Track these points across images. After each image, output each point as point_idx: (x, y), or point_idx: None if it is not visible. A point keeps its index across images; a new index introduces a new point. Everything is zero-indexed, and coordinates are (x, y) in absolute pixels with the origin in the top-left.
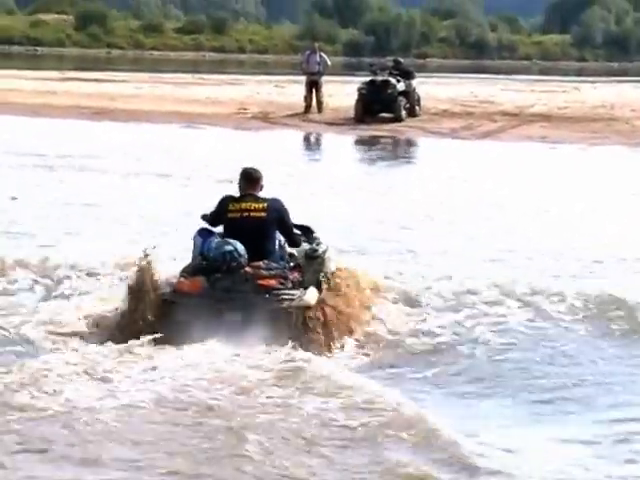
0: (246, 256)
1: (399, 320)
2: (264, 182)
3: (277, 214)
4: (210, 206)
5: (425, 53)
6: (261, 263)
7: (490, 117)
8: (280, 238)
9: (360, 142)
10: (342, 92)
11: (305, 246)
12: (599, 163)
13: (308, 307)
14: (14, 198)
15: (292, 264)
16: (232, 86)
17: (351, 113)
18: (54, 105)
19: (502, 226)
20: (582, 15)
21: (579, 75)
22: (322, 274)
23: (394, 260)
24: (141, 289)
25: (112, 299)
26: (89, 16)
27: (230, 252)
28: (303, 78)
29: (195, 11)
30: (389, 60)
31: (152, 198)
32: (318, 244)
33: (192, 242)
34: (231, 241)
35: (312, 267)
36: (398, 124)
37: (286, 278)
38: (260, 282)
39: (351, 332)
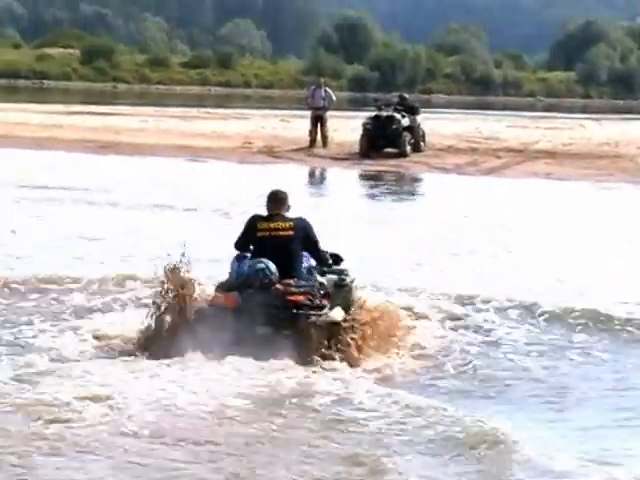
0: (277, 274)
1: (429, 339)
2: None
3: (303, 232)
4: (217, 239)
5: (430, 89)
6: (291, 281)
7: (495, 153)
8: (308, 263)
9: (365, 177)
10: (347, 127)
11: (334, 277)
12: (604, 200)
13: (335, 323)
14: (13, 231)
15: (322, 292)
16: (237, 120)
17: (356, 148)
18: (60, 138)
19: (507, 263)
20: (587, 53)
21: (584, 112)
22: (350, 301)
23: (404, 292)
24: (180, 302)
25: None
26: (95, 50)
27: (262, 270)
28: (308, 113)
29: (201, 46)
30: (394, 95)
31: (155, 230)
32: (346, 274)
33: (230, 266)
34: (264, 260)
35: (340, 295)
36: (403, 159)
37: (314, 295)
38: (290, 298)
39: (381, 349)
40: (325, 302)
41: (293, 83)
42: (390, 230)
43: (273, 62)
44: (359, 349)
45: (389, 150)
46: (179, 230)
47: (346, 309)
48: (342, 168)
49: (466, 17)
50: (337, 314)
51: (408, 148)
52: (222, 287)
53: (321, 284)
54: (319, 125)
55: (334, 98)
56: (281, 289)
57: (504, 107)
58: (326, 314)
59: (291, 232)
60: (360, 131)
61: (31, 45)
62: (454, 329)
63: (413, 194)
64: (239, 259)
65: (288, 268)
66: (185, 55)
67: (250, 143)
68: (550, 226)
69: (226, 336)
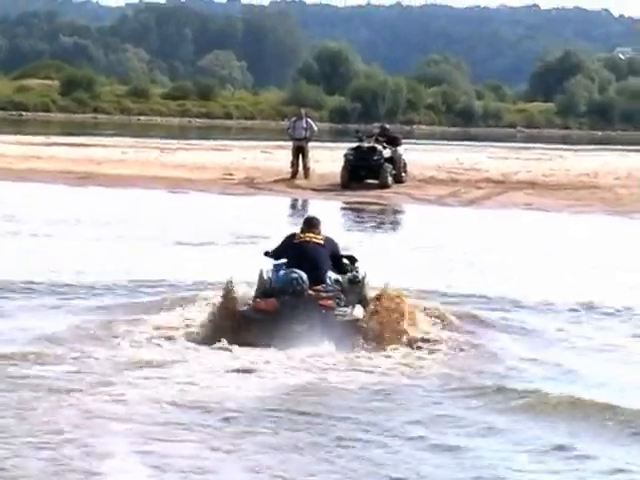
0: (308, 283)
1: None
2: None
3: (331, 246)
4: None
5: (412, 119)
6: (320, 287)
7: (476, 184)
8: (331, 275)
9: (346, 208)
10: (329, 158)
11: (348, 274)
12: (583, 231)
13: (357, 320)
14: None
15: (338, 288)
16: (218, 152)
17: (337, 179)
18: (39, 170)
19: (489, 289)
20: (566, 84)
21: (563, 143)
22: (363, 295)
23: None
24: (227, 308)
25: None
26: (75, 81)
27: (296, 279)
28: (290, 144)
29: (182, 77)
30: (375, 126)
31: (132, 261)
32: (358, 272)
33: (260, 276)
34: (297, 270)
35: (354, 290)
36: (384, 190)
37: (340, 299)
38: (321, 302)
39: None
40: (342, 297)
41: (274, 114)
42: (377, 261)
43: (254, 93)
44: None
45: (370, 181)
46: (156, 261)
47: (360, 302)
48: (324, 199)
49: (446, 48)
50: (358, 312)
51: (389, 179)
52: (260, 294)
53: (337, 280)
54: (301, 156)
55: (315, 129)
56: (313, 295)
57: (485, 138)
58: (350, 313)
59: (322, 242)
60: (341, 162)
61: (10, 76)
62: None
63: (396, 225)
64: (277, 269)
65: (317, 271)
66: (165, 86)
67: (231, 174)
68: (529, 258)
69: (269, 335)
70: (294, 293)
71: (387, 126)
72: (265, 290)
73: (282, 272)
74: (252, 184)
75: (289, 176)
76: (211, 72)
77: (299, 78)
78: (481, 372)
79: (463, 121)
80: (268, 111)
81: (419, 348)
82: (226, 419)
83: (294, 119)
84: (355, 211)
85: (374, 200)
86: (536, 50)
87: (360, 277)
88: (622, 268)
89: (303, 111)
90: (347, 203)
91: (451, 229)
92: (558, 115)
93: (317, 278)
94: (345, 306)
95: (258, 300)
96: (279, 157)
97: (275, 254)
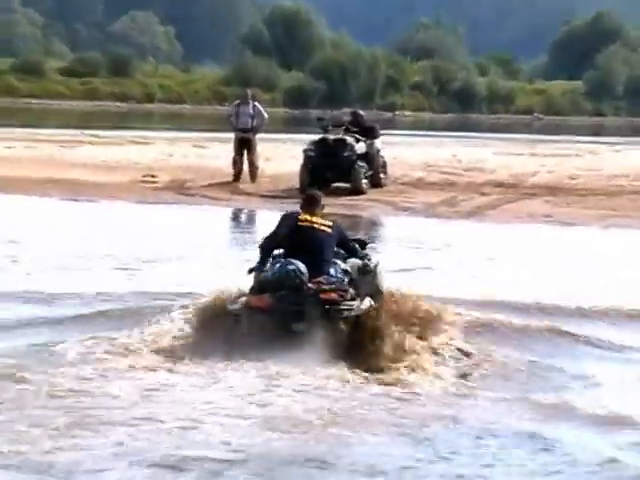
0: (307, 274)
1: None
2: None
3: (339, 232)
4: None
5: (393, 104)
6: (322, 279)
7: (478, 189)
8: (339, 265)
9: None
10: (283, 155)
11: (358, 262)
12: (622, 253)
13: (366, 315)
14: None
15: (346, 279)
16: (136, 146)
17: (295, 182)
18: None
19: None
20: (598, 56)
21: (594, 134)
22: (376, 287)
23: None
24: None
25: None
26: None
27: (293, 271)
28: (231, 136)
29: (87, 47)
30: (345, 113)
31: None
32: (369, 259)
33: (257, 268)
34: (294, 261)
35: (365, 281)
36: (357, 197)
37: (345, 291)
38: (322, 296)
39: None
40: (352, 290)
41: (210, 96)
42: None
43: (184, 69)
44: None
45: (339, 185)
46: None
47: (374, 295)
48: (276, 210)
49: (439, 8)
50: (367, 305)
51: (364, 182)
52: (253, 289)
53: (345, 271)
54: (246, 152)
55: (265, 116)
56: (313, 287)
57: (490, 128)
58: (358, 307)
59: (330, 230)
60: (300, 160)
61: None
62: None
63: (373, 246)
64: (275, 261)
65: (319, 261)
66: (65, 59)
67: (153, 176)
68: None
69: (264, 334)
70: (291, 287)
71: (361, 112)
72: (258, 285)
73: (278, 264)
74: (181, 189)
75: (230, 178)
76: (126, 40)
77: (243, 49)
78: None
79: (461, 106)
80: (202, 92)
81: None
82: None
83: (237, 103)
84: None
85: (343, 211)
86: (559, 11)
87: (372, 265)
88: None
89: (249, 92)
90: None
91: (443, 251)
92: (587, 97)
93: (320, 270)
94: (352, 299)
95: (250, 296)
96: (217, 153)
97: (273, 236)
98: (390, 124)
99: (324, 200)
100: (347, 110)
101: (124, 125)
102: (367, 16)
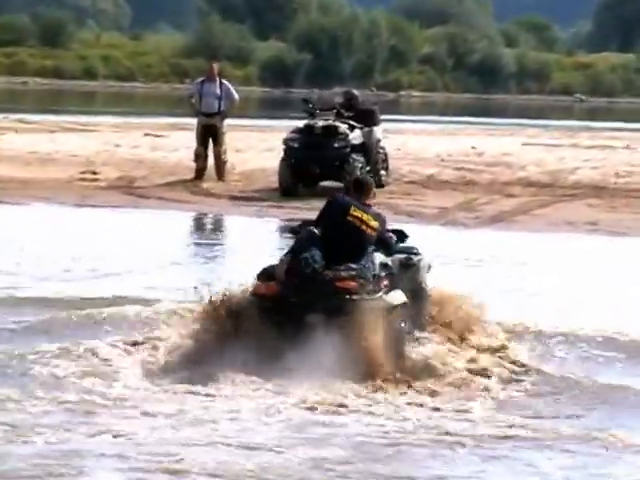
0: (322, 263)
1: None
2: None
3: (381, 235)
4: None
5: (398, 82)
6: (341, 267)
7: (504, 189)
8: (376, 259)
9: (287, 232)
10: (258, 146)
11: (400, 256)
12: None
13: (394, 307)
14: None
15: (384, 273)
16: (74, 134)
17: (273, 181)
18: None
19: None
20: None
21: None
22: (418, 283)
23: None
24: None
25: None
26: None
27: (305, 259)
28: (193, 122)
29: (10, 8)
30: (336, 93)
31: None
32: (415, 253)
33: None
34: (311, 248)
35: (406, 275)
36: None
37: (366, 279)
38: (338, 284)
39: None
40: (386, 284)
41: (167, 72)
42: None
43: (133, 37)
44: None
45: (329, 184)
46: None
47: (414, 291)
48: (249, 216)
49: None
50: (393, 297)
51: None
52: (262, 275)
53: (385, 265)
54: (211, 143)
55: (236, 97)
56: (329, 274)
57: (521, 112)
58: (380, 297)
59: (374, 233)
60: (280, 153)
61: None
62: None
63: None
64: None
65: (352, 259)
66: None
67: (95, 173)
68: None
69: (271, 326)
70: (303, 276)
71: (356, 92)
72: (265, 272)
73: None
74: (130, 189)
75: (192, 175)
76: (61, 0)
77: (209, 12)
78: None
79: (482, 84)
80: (157, 67)
81: None
82: None
83: (200, 81)
84: None
85: None
86: None
87: (415, 260)
88: None
89: (216, 67)
90: (288, 223)
91: (463, 267)
92: None
93: (353, 257)
94: (375, 292)
95: (258, 283)
96: (175, 144)
97: (310, 237)
98: (393, 107)
99: (310, 204)
100: (339, 90)
101: (58, 108)
102: None
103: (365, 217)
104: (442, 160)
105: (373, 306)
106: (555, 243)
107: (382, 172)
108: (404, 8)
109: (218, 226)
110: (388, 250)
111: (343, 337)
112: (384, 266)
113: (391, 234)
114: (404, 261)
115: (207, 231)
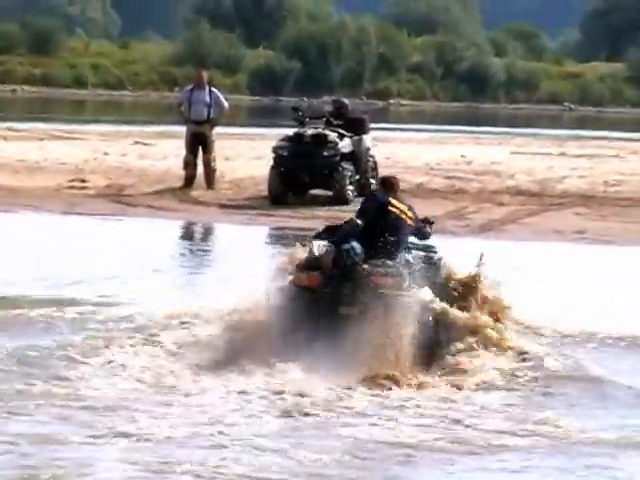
0: (362, 255)
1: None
2: None
3: (417, 225)
4: None
5: (386, 90)
6: (379, 262)
7: (493, 198)
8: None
9: (277, 240)
10: (248, 154)
11: (421, 253)
12: None
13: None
14: None
15: (409, 270)
16: (63, 142)
17: (262, 189)
18: None
19: None
20: None
21: None
22: (436, 280)
23: None
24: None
25: None
26: None
27: (347, 250)
28: (182, 129)
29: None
30: (326, 101)
31: None
32: (435, 251)
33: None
34: (351, 241)
35: (427, 273)
36: (340, 208)
37: (402, 276)
38: (374, 279)
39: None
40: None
41: (156, 80)
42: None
43: (123, 45)
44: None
45: (319, 192)
46: None
47: (432, 288)
48: (239, 224)
49: None
50: (424, 294)
51: (350, 189)
52: (302, 266)
53: (407, 261)
54: (200, 151)
55: (226, 105)
56: (367, 269)
57: (510, 121)
58: (413, 294)
59: (412, 223)
60: (270, 161)
61: None
62: None
63: None
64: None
65: (393, 249)
66: None
67: (83, 181)
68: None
69: (309, 316)
70: (344, 267)
71: (345, 101)
72: (306, 262)
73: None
74: (119, 197)
75: (181, 183)
76: (51, 8)
77: (198, 20)
78: None
79: (471, 92)
80: (146, 75)
81: None
82: None
83: (189, 89)
84: (291, 247)
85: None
86: None
87: (436, 258)
88: None
89: (205, 75)
90: (278, 231)
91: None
92: (631, 83)
93: (394, 245)
94: (408, 288)
95: (298, 274)
96: (164, 152)
97: (364, 211)
98: (382, 115)
99: (300, 213)
100: (328, 98)
101: (47, 116)
102: None
103: (403, 208)
104: (431, 169)
105: (406, 302)
106: (541, 252)
107: (372, 180)
108: (392, 16)
109: (206, 234)
110: (425, 238)
111: (375, 330)
112: (406, 263)
113: (425, 225)
114: (425, 260)
115: (195, 239)
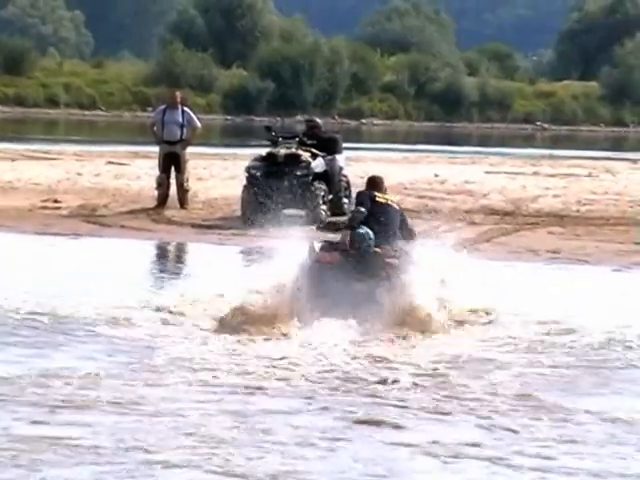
0: (374, 240)
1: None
2: None
3: (401, 213)
4: None
5: (359, 110)
6: (388, 246)
7: (466, 217)
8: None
9: (249, 261)
10: (221, 174)
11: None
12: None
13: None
14: None
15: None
16: (35, 162)
17: (235, 209)
18: None
19: None
20: (618, 50)
21: (613, 149)
22: None
23: None
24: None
25: None
26: None
27: (362, 235)
28: (155, 150)
29: None
30: (299, 121)
31: None
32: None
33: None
34: (365, 227)
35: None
36: (314, 228)
37: (407, 260)
38: (387, 260)
39: None
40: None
41: (129, 100)
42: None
43: (96, 65)
44: None
45: (291, 212)
46: None
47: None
48: (211, 243)
49: None
50: (419, 274)
51: (323, 209)
52: (325, 247)
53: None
54: (173, 171)
55: (198, 125)
56: (379, 252)
57: (483, 140)
58: (412, 273)
59: (397, 206)
60: (242, 181)
61: None
62: None
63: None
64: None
65: (389, 232)
66: None
67: (56, 201)
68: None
69: (329, 289)
70: (360, 249)
71: (318, 120)
72: (328, 243)
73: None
74: (92, 217)
75: (154, 203)
76: (24, 28)
77: (171, 40)
78: None
79: (444, 112)
80: (119, 95)
81: None
82: None
83: (162, 109)
84: (263, 266)
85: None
86: None
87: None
88: None
89: (178, 95)
90: (249, 252)
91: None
92: (604, 102)
93: (387, 240)
94: (407, 269)
95: (322, 252)
96: (137, 172)
97: (360, 215)
98: (355, 135)
99: (269, 231)
100: (301, 118)
101: (20, 136)
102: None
103: (387, 197)
104: (404, 188)
105: (409, 279)
106: (513, 272)
107: (345, 200)
108: (366, 36)
109: (180, 254)
110: (411, 238)
111: (386, 297)
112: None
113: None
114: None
115: (170, 259)
